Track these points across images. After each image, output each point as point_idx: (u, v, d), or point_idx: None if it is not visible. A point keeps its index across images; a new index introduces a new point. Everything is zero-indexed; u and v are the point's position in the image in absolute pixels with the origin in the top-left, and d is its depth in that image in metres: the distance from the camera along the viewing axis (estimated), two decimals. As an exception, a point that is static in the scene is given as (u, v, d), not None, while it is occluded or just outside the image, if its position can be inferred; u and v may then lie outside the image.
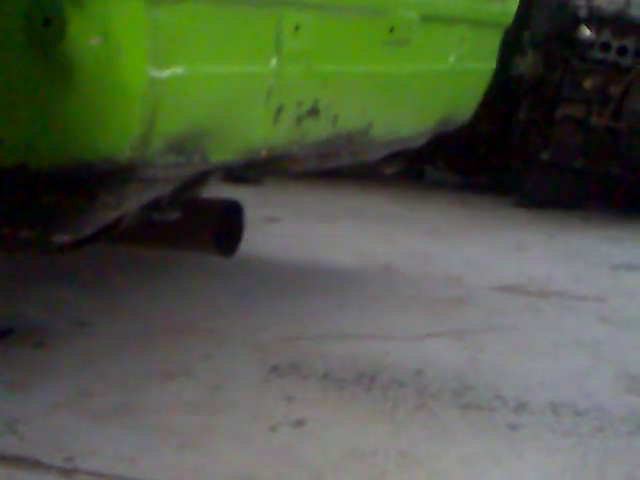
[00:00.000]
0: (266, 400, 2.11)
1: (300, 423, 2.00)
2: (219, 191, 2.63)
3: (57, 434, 1.87)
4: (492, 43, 2.93)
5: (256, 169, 2.42)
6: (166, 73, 1.64)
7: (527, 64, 4.32)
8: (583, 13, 4.16)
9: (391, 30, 2.30)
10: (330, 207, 4.19)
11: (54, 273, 2.91)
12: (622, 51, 4.17)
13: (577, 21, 4.17)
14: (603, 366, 2.46)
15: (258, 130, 1.97)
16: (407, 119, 2.64)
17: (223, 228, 2.38)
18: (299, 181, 4.42)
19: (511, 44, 3.96)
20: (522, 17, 3.30)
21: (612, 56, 4.16)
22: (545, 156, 4.28)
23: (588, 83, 4.18)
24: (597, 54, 4.17)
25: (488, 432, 2.02)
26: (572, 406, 2.16)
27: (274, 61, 1.91)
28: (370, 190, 4.42)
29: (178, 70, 1.67)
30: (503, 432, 2.02)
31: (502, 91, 4.19)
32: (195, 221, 2.35)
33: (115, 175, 1.70)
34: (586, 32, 4.16)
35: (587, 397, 2.23)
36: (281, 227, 3.78)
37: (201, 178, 2.26)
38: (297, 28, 1.96)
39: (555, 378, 2.34)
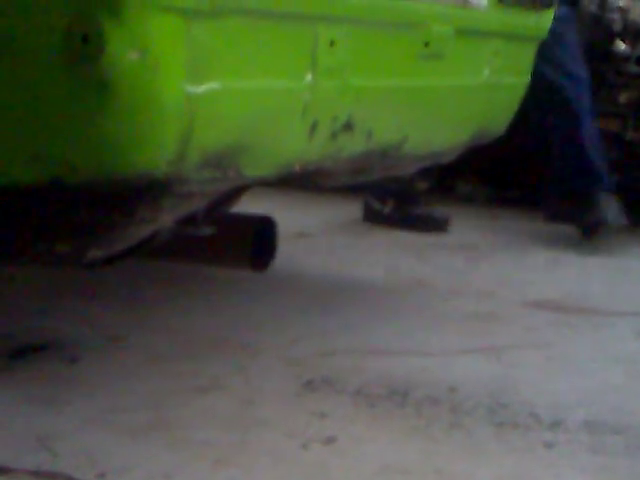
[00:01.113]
0: (299, 416, 2.10)
1: (332, 440, 1.99)
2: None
3: (90, 450, 1.87)
4: (526, 57, 2.92)
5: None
6: (202, 88, 1.64)
7: (561, 78, 4.29)
8: (618, 27, 4.13)
9: (426, 44, 2.30)
10: (360, 222, 4.18)
11: (87, 288, 2.92)
12: (657, 65, 4.14)
13: (612, 35, 4.15)
14: None
15: (293, 145, 1.97)
16: (441, 133, 2.63)
17: (257, 243, 2.38)
18: (327, 196, 4.42)
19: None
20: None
21: (647, 70, 4.14)
22: (579, 171, 4.25)
23: (623, 97, 4.15)
24: (632, 68, 4.14)
25: (523, 451, 1.99)
26: (608, 424, 2.14)
27: (309, 76, 1.91)
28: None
29: (214, 85, 1.67)
30: (538, 451, 2.00)
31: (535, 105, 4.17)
32: (229, 236, 2.35)
33: (151, 190, 1.70)
34: (621, 46, 4.13)
35: (624, 414, 2.20)
36: (312, 242, 3.78)
37: (235, 193, 2.27)
38: (332, 43, 1.96)
39: (591, 395, 2.31)
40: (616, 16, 4.15)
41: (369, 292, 3.12)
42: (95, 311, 2.71)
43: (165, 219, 1.87)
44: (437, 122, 2.55)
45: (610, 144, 4.17)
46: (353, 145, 2.16)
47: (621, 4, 4.18)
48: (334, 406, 2.15)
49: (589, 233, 3.85)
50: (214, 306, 2.84)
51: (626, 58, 4.15)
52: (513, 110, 2.96)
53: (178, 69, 1.58)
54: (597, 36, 4.17)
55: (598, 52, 4.18)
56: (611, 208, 3.86)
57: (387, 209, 4.11)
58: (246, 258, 2.40)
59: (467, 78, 2.60)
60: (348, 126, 2.09)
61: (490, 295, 3.14)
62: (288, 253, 3.16)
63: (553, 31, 2.97)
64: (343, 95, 2.04)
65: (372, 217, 4.15)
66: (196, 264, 2.64)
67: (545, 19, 2.88)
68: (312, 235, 3.87)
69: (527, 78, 2.95)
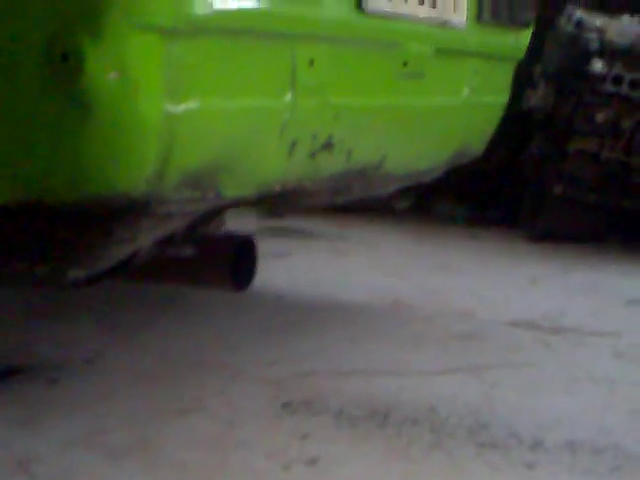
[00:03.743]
0: (279, 437, 2.09)
1: (313, 461, 1.98)
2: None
3: (70, 472, 1.86)
4: (505, 76, 2.93)
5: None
6: (181, 108, 1.64)
7: (539, 97, 4.31)
8: (595, 46, 4.16)
9: (405, 64, 2.30)
10: (339, 241, 4.18)
11: (66, 309, 2.90)
12: (634, 84, 4.16)
13: (589, 54, 4.17)
14: (619, 402, 2.44)
15: (273, 164, 1.97)
16: (420, 153, 2.63)
17: (237, 263, 2.38)
18: (308, 215, 4.42)
19: (523, 77, 3.95)
20: (534, 50, 3.29)
21: (624, 89, 4.15)
22: (557, 190, 4.26)
23: (600, 117, 4.17)
24: (609, 87, 4.16)
25: (504, 471, 1.99)
26: (589, 444, 2.13)
27: (289, 95, 1.91)
28: (379, 223, 4.40)
29: (193, 105, 1.66)
30: (519, 471, 1.99)
31: (514, 124, 4.18)
32: (209, 256, 2.34)
33: (130, 210, 1.69)
34: (598, 65, 4.15)
35: (604, 434, 2.20)
36: (292, 261, 3.77)
37: (215, 213, 2.26)
38: (312, 62, 1.96)
39: (571, 415, 2.31)
40: (593, 35, 4.18)
41: (348, 312, 3.12)
42: (74, 332, 2.69)
43: (144, 239, 1.86)
44: (417, 141, 2.55)
45: (586, 163, 4.19)
46: (333, 164, 2.16)
47: (598, 24, 4.21)
48: (315, 427, 2.14)
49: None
50: (193, 327, 2.83)
51: (603, 77, 4.17)
52: (492, 129, 2.96)
53: (157, 88, 1.58)
54: (574, 55, 4.19)
55: (575, 71, 4.20)
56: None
57: None
58: (226, 278, 2.39)
59: (446, 97, 2.61)
60: (327, 145, 2.09)
61: (470, 315, 3.14)
62: (267, 272, 3.15)
63: None
64: (322, 114, 2.04)
65: None
66: (176, 285, 2.63)
67: (523, 39, 2.90)
68: (291, 254, 3.86)
69: (506, 97, 2.96)
